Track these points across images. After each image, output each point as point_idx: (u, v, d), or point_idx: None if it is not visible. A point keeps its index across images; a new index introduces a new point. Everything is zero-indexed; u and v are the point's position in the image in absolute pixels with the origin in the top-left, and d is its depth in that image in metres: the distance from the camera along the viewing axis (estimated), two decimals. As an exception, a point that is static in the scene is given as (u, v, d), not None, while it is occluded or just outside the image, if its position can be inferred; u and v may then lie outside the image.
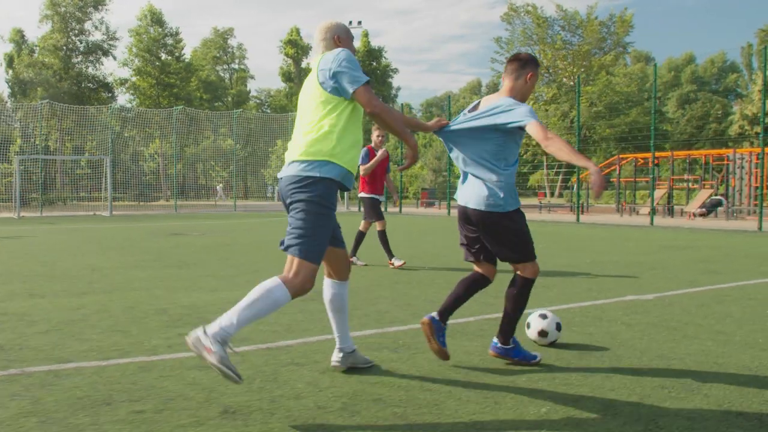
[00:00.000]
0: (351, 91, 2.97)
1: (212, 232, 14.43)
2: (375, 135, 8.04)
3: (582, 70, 40.91)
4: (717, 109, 45.90)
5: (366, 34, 65.03)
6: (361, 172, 7.97)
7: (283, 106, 58.31)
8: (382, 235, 8.00)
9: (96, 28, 45.58)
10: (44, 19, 44.31)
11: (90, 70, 45.87)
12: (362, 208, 8.42)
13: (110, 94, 46.91)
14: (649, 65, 75.24)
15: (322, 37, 3.23)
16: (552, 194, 41.39)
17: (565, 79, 42.25)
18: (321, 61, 3.08)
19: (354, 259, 7.99)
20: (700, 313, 4.95)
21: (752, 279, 6.88)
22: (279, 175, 3.12)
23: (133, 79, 48.12)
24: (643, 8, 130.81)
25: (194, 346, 2.66)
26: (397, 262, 7.79)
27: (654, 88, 17.60)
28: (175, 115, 28.43)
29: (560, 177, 36.85)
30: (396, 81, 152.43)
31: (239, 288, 6.19)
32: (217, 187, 37.09)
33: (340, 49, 3.10)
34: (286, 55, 60.65)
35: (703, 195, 22.11)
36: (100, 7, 44.69)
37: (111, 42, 45.83)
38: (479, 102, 3.58)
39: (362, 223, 8.16)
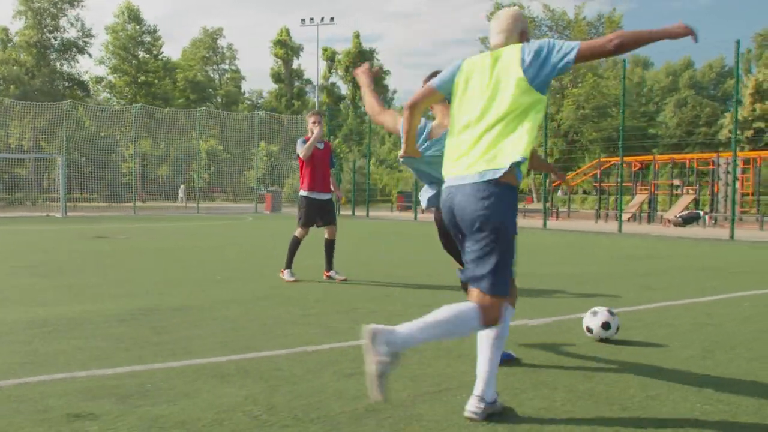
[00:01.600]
0: None
1: (141, 236, 13.50)
2: (311, 121, 6.84)
3: (570, 72, 39.88)
4: (707, 113, 44.84)
5: (357, 36, 64.38)
6: (301, 155, 6.78)
7: (274, 107, 57.35)
8: (294, 243, 6.79)
9: (71, 24, 44.71)
10: (18, 14, 43.37)
11: (65, 67, 44.96)
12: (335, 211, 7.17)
13: (85, 93, 45.96)
14: (647, 70, 74.28)
15: (504, 26, 2.79)
16: (539, 199, 40.28)
17: (554, 82, 41.19)
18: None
19: (332, 273, 6.81)
20: (587, 348, 3.94)
21: (687, 297, 5.87)
22: None
23: (110, 77, 47.17)
24: (642, 11, 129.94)
25: None
26: (288, 276, 6.67)
27: (622, 86, 16.65)
28: (135, 112, 27.48)
29: (555, 183, 35.79)
30: (397, 84, 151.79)
31: (78, 303, 5.31)
32: (179, 189, 36.15)
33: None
34: (276, 55, 59.78)
35: (684, 200, 21.07)
36: (75, 4, 43.76)
37: (86, 39, 44.84)
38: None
39: (326, 230, 6.93)
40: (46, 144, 35.38)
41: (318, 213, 6.80)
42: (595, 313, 4.03)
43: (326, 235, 6.91)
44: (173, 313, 4.90)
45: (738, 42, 13.19)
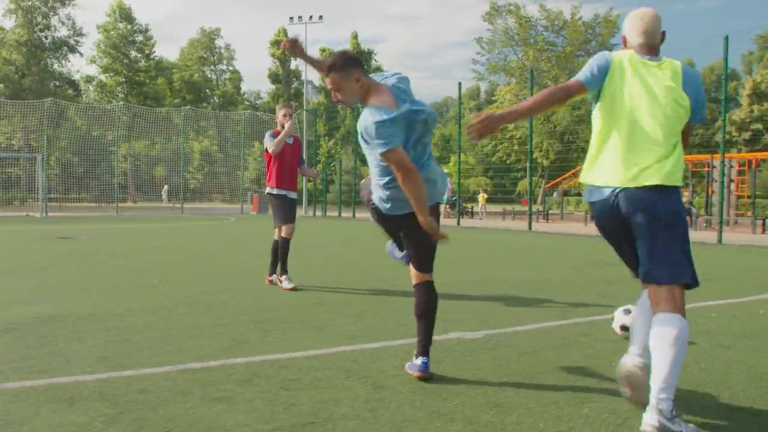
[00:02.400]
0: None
1: (106, 236, 13.08)
2: (281, 114, 6.27)
3: (566, 73, 39.18)
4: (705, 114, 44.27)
5: (355, 36, 63.96)
6: (270, 150, 6.17)
7: (272, 108, 56.94)
8: (284, 245, 6.17)
9: (63, 23, 44.39)
10: (8, 13, 42.95)
11: (56, 66, 44.59)
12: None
13: (76, 92, 45.54)
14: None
15: (650, 28, 2.78)
16: (535, 201, 39.81)
17: (549, 82, 40.48)
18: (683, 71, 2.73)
19: (283, 278, 6.09)
20: (513, 366, 3.48)
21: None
22: None
23: (101, 77, 46.72)
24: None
25: None
26: (287, 284, 6.03)
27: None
28: (117, 111, 27.04)
29: (543, 184, 35.32)
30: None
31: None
32: (163, 189, 35.61)
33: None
34: (273, 56, 59.42)
35: (677, 203, 20.48)
36: (67, 2, 43.40)
37: (78, 38, 44.46)
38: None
39: (276, 229, 6.31)
40: (36, 143, 35.01)
41: (285, 210, 6.21)
42: (628, 311, 3.83)
43: (283, 234, 6.27)
44: (75, 321, 4.46)
45: (726, 38, 12.73)
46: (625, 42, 2.87)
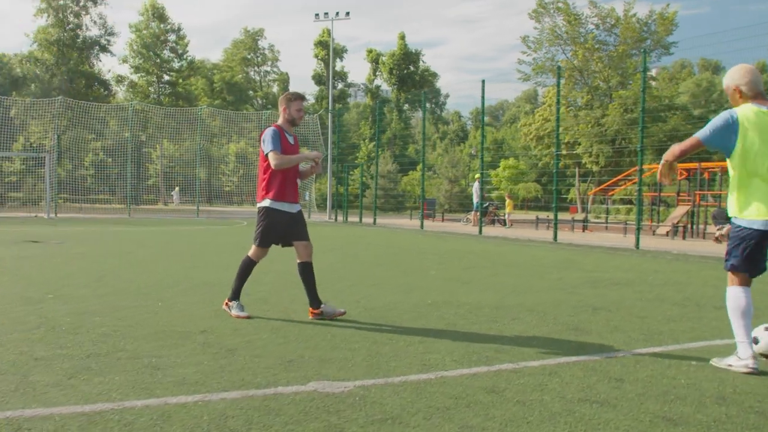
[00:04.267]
0: None
1: (80, 241, 12.59)
2: (294, 108, 5.06)
3: (619, 73, 36.82)
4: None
5: (402, 37, 63.04)
6: (273, 163, 4.90)
7: (315, 109, 56.73)
8: (248, 267, 5.09)
9: (94, 23, 44.87)
10: (39, 13, 43.56)
11: (87, 66, 44.97)
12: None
13: (107, 92, 46.11)
14: (718, 75, 69.34)
15: (761, 78, 3.60)
16: (584, 209, 37.78)
17: (602, 83, 38.23)
18: None
19: (324, 307, 5.06)
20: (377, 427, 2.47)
21: (619, 349, 4.22)
22: None
23: (134, 76, 47.03)
24: (714, 15, 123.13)
25: None
26: (236, 311, 5.01)
27: (643, 84, 14.72)
28: (130, 111, 27.04)
29: (592, 192, 33.30)
30: (452, 89, 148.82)
31: None
32: (174, 191, 35.47)
33: None
34: (316, 56, 59.25)
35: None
36: (99, 1, 44.03)
37: (109, 37, 44.93)
38: None
39: (299, 249, 5.11)
40: (62, 143, 35.61)
41: (285, 229, 5.03)
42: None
43: (299, 258, 5.04)
44: None
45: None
46: (739, 93, 3.56)
